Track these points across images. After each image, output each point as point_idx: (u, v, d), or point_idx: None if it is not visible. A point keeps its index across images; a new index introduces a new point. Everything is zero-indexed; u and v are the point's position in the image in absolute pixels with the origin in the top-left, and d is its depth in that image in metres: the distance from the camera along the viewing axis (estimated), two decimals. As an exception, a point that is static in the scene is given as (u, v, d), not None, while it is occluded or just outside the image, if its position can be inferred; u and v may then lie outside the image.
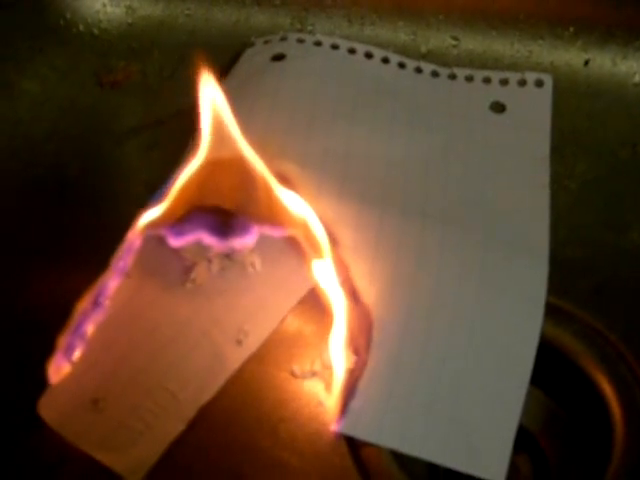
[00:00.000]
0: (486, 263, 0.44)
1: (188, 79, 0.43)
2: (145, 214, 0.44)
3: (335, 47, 0.55)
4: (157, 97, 0.55)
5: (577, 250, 0.45)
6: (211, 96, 0.42)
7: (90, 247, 0.46)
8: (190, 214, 0.45)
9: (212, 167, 0.44)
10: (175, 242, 0.44)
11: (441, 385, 0.39)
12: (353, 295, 0.42)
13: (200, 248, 0.44)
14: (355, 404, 0.39)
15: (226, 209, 0.44)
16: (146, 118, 0.54)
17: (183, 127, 0.47)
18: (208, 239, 0.44)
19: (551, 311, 0.42)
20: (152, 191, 0.45)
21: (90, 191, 0.51)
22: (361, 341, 0.41)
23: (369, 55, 0.54)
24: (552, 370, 0.42)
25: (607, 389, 0.41)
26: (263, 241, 0.44)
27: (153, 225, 0.44)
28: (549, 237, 0.44)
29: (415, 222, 0.45)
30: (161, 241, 0.44)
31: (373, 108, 0.51)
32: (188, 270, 0.44)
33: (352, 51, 0.55)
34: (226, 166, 0.43)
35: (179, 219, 0.44)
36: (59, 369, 0.41)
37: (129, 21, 0.59)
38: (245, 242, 0.44)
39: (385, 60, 0.54)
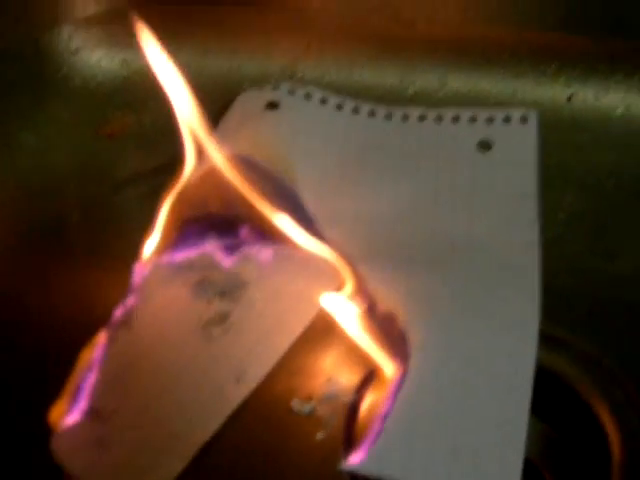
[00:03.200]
0: (477, 299, 0.44)
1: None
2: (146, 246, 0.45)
3: (324, 102, 0.56)
4: (153, 146, 0.56)
5: (568, 278, 0.46)
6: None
7: (90, 296, 0.47)
8: (191, 225, 0.46)
9: (202, 181, 0.45)
10: (180, 255, 0.45)
11: (445, 419, 0.40)
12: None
13: (207, 260, 0.45)
14: (381, 441, 0.39)
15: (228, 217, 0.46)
16: (142, 167, 0.55)
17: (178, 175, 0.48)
18: (214, 246, 0.45)
19: (545, 339, 0.42)
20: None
21: (89, 240, 0.52)
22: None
23: (356, 110, 0.56)
24: (548, 396, 0.42)
25: (603, 413, 0.41)
26: (263, 274, 0.45)
27: (157, 252, 0.45)
28: (540, 268, 0.45)
29: (401, 271, 0.46)
30: (161, 283, 0.45)
31: (360, 164, 0.52)
32: (190, 312, 0.45)
33: (340, 107, 0.56)
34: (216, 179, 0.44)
35: (180, 233, 0.45)
36: (63, 413, 0.41)
37: (124, 74, 0.61)
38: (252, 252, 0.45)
39: (372, 113, 0.56)
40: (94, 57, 0.61)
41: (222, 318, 0.45)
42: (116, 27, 0.60)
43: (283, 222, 0.43)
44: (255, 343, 0.44)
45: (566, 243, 0.48)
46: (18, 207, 0.53)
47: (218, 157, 0.43)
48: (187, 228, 0.47)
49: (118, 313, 0.44)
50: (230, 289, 0.46)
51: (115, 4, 0.60)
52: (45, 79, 0.60)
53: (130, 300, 0.45)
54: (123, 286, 0.45)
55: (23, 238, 0.52)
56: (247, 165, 0.45)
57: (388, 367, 0.41)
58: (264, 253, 0.46)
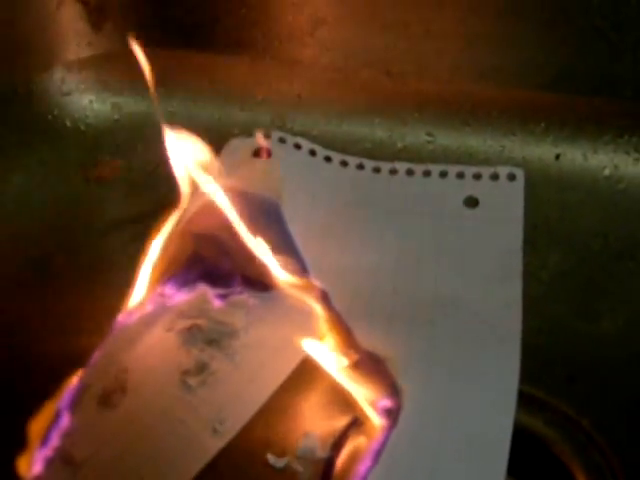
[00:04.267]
0: (458, 358, 0.44)
1: (170, 174, 0.44)
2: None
3: (313, 153, 0.56)
4: (141, 192, 0.57)
5: (549, 339, 0.46)
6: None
7: (70, 341, 0.47)
8: (182, 269, 0.46)
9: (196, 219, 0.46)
10: (170, 300, 0.45)
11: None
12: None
13: (197, 306, 0.45)
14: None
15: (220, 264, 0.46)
16: (130, 212, 0.55)
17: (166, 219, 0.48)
18: (205, 292, 0.45)
19: (524, 400, 0.42)
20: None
21: (73, 283, 0.52)
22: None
23: (344, 163, 0.56)
24: (525, 457, 0.42)
25: (580, 476, 0.41)
26: (251, 322, 0.45)
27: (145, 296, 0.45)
28: (521, 327, 0.45)
29: (383, 326, 0.46)
30: (146, 329, 0.45)
31: (347, 216, 0.53)
32: (170, 360, 0.45)
33: (328, 159, 0.56)
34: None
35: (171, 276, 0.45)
36: (32, 461, 0.41)
37: (115, 117, 0.61)
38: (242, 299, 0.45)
39: (360, 166, 0.56)
40: (85, 99, 0.61)
41: (200, 368, 0.44)
42: (108, 71, 0.61)
43: (272, 263, 0.43)
44: (234, 394, 0.44)
45: (549, 303, 0.48)
46: (1, 248, 0.53)
47: (212, 193, 0.44)
48: (178, 272, 0.47)
49: (95, 357, 0.44)
50: (219, 337, 0.46)
51: (107, 48, 0.60)
52: (36, 120, 0.60)
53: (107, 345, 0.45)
54: (104, 331, 0.44)
55: (5, 280, 0.52)
56: (240, 196, 0.46)
57: (372, 419, 0.41)
58: (253, 301, 0.46)
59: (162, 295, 0.47)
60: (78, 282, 0.52)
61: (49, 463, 0.41)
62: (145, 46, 0.46)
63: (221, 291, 0.46)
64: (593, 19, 0.51)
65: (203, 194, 0.45)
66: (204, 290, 0.46)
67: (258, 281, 0.45)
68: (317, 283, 0.43)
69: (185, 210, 0.48)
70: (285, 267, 0.43)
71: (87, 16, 0.58)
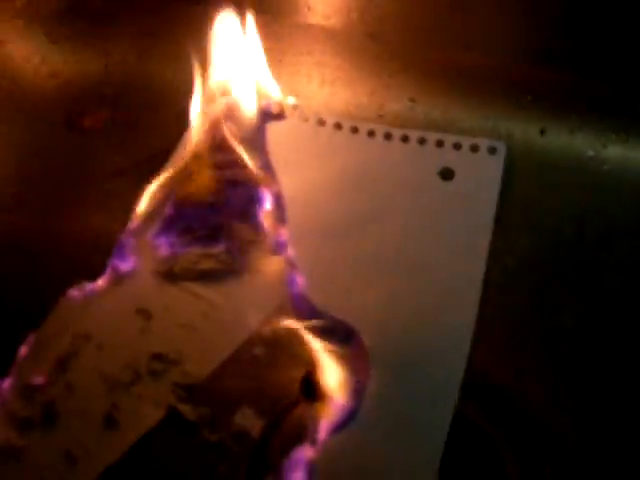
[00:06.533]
0: (410, 329, 0.45)
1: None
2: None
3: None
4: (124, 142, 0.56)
5: (502, 330, 0.45)
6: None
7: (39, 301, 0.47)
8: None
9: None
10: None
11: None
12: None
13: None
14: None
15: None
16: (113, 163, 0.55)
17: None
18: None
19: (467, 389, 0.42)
20: (110, 240, 0.47)
21: (49, 238, 0.52)
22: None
23: (321, 122, 0.54)
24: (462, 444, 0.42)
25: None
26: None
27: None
28: (476, 312, 0.44)
29: (342, 293, 0.46)
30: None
31: (322, 169, 0.52)
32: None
33: (305, 119, 0.55)
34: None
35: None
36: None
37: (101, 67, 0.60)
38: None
39: (338, 126, 0.54)
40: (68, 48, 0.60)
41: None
42: (95, 20, 0.60)
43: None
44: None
45: (510, 292, 0.46)
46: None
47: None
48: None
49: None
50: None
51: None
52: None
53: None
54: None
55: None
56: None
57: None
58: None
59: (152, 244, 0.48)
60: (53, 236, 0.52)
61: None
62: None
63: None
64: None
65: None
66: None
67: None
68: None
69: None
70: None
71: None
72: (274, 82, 0.52)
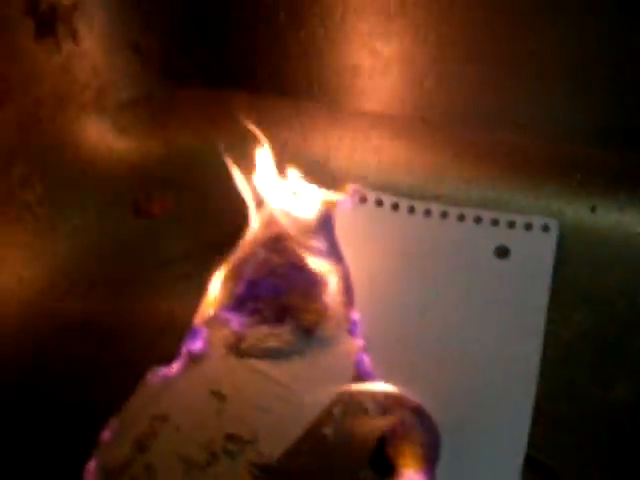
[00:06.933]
0: (473, 411, 0.46)
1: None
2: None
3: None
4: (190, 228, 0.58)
5: (562, 405, 0.46)
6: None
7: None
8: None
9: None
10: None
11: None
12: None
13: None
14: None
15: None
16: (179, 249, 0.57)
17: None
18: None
19: (530, 464, 0.43)
20: (180, 322, 0.49)
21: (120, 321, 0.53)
22: None
23: (379, 203, 0.57)
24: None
25: None
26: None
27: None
28: (535, 388, 0.46)
29: (410, 365, 0.48)
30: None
31: (381, 250, 0.54)
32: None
33: (363, 200, 0.57)
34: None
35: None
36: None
37: (165, 153, 0.62)
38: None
39: (395, 206, 0.56)
40: (137, 137, 0.62)
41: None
42: (157, 109, 0.62)
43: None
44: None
45: (566, 365, 0.48)
46: (54, 281, 0.56)
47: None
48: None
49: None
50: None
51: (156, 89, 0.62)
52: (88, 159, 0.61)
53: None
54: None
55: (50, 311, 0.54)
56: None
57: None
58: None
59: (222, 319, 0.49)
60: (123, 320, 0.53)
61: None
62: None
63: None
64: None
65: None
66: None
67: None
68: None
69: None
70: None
71: (138, 60, 0.60)
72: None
